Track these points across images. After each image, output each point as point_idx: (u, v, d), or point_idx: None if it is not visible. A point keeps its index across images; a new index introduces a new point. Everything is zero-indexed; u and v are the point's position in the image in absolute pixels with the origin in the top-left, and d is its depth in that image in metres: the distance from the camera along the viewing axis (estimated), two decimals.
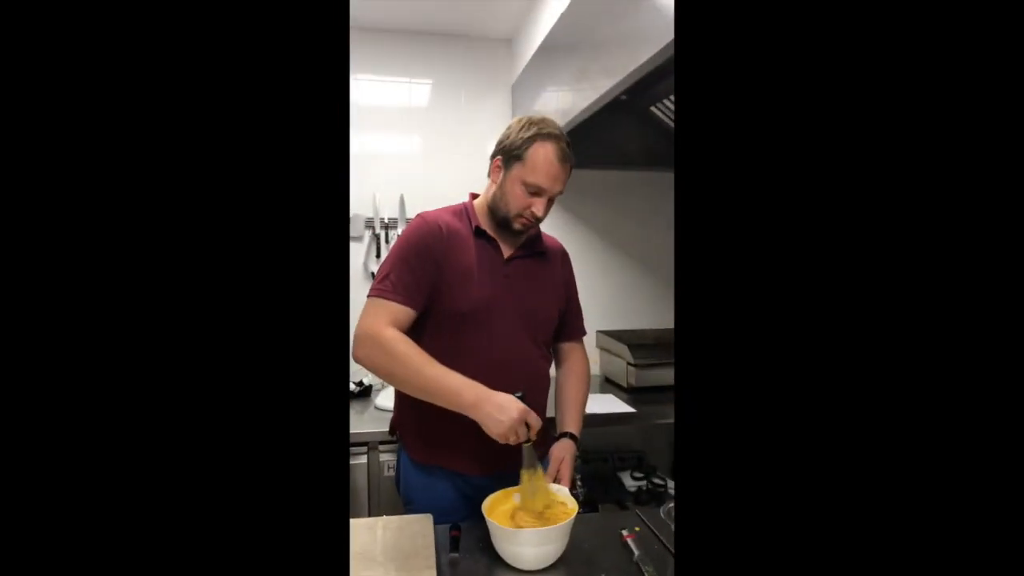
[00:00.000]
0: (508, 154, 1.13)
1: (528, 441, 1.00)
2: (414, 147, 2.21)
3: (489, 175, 1.19)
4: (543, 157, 1.09)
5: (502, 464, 1.08)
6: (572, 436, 1.21)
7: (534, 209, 1.12)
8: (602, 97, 1.43)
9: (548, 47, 1.80)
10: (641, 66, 1.18)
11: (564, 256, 1.33)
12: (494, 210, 1.17)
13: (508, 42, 2.28)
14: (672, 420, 1.80)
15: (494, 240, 1.18)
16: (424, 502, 1.17)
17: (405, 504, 1.23)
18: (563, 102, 1.70)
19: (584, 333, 1.37)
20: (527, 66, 2.02)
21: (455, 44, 2.23)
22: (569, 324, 1.32)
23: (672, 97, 1.77)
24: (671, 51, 1.10)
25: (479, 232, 1.18)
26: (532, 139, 1.10)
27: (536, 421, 1.00)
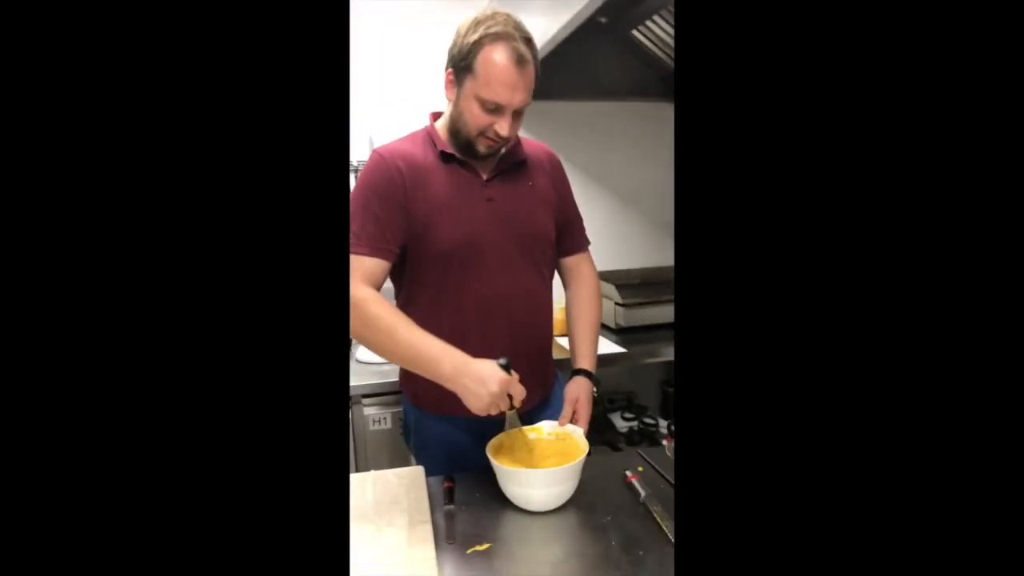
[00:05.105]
0: (457, 65, 0.95)
1: (511, 408, 0.91)
2: (371, 77, 2.05)
3: (444, 91, 1.01)
4: (495, 65, 0.90)
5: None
6: (587, 372, 1.10)
7: (497, 128, 0.95)
8: (578, 15, 1.32)
9: None
10: None
11: (551, 159, 1.17)
12: (455, 133, 1.01)
13: None
14: (661, 359, 1.79)
15: (466, 162, 1.03)
16: (436, 449, 1.09)
17: (416, 453, 1.14)
18: (537, 25, 1.57)
19: (588, 243, 1.22)
20: None
21: None
22: (568, 235, 1.16)
23: (655, 17, 1.66)
24: None
25: (447, 157, 1.02)
26: (479, 43, 0.91)
27: (520, 392, 0.88)
